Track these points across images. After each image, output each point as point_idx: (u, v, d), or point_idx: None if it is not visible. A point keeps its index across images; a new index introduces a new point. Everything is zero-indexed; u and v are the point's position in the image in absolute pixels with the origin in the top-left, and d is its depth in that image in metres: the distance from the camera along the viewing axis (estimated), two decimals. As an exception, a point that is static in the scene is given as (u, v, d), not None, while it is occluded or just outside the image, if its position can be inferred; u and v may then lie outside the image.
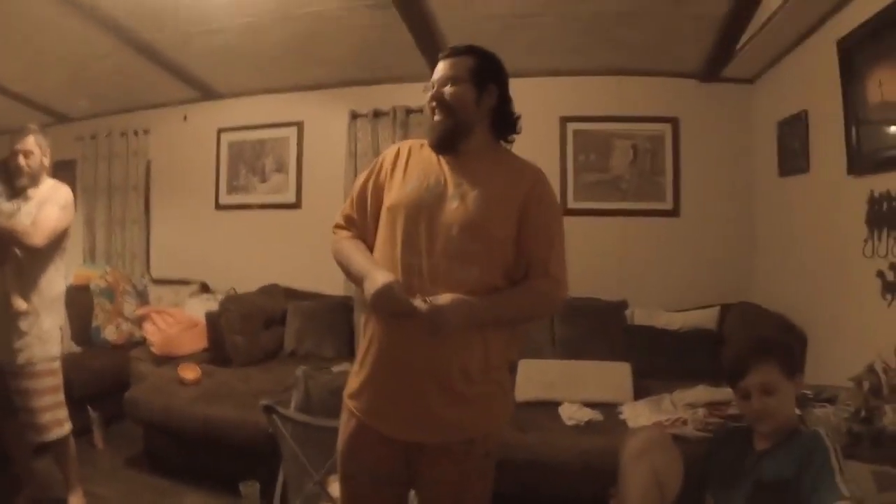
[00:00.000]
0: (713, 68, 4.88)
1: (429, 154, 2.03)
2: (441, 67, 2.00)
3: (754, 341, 2.28)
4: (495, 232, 1.87)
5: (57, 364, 3.36)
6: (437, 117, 1.98)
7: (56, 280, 3.40)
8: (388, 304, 1.80)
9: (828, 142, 3.73)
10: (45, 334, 3.29)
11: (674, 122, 5.18)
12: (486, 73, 1.98)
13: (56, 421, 3.32)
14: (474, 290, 1.81)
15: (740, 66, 4.76)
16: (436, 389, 1.84)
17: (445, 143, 1.98)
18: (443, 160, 2.00)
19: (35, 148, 3.29)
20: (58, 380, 3.37)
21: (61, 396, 3.38)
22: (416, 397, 1.86)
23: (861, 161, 3.36)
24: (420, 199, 1.92)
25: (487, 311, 1.83)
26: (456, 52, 2.02)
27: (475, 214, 1.86)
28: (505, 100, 2.04)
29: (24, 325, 3.20)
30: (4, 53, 5.15)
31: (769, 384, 2.09)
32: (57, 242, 3.32)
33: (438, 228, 1.87)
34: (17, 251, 3.18)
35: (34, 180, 3.32)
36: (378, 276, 1.82)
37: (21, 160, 3.25)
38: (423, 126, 2.05)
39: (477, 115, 1.98)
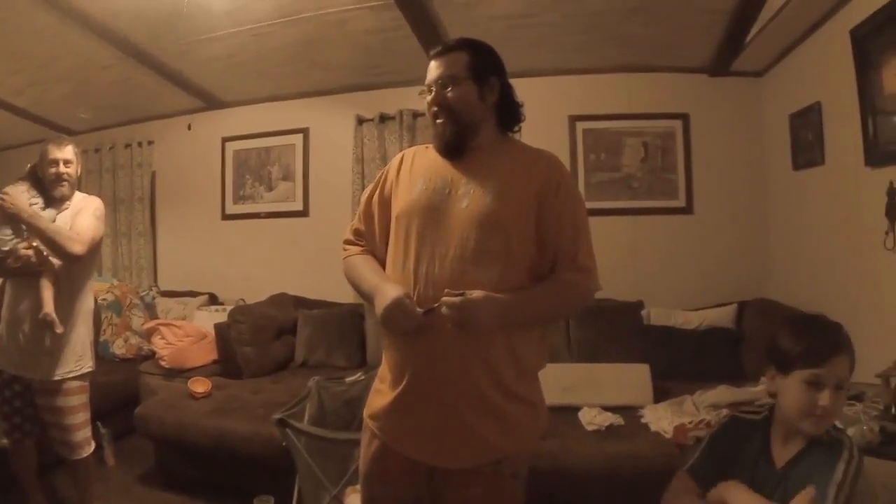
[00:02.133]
0: (722, 62, 4.83)
1: (434, 156, 1.94)
2: (435, 66, 1.89)
3: (839, 329, 2.00)
4: (511, 226, 1.76)
5: (87, 379, 3.31)
6: (440, 121, 1.87)
7: (89, 294, 3.35)
8: (399, 321, 1.72)
9: (843, 133, 3.69)
10: (80, 349, 3.25)
11: (684, 118, 5.13)
12: (484, 67, 1.87)
13: (87, 439, 3.28)
14: (497, 293, 1.69)
15: (750, 59, 4.71)
16: (468, 404, 1.75)
17: (454, 149, 1.88)
18: (449, 160, 1.90)
19: (74, 157, 3.25)
20: (87, 396, 3.31)
21: (89, 413, 3.34)
22: (447, 416, 1.76)
23: (879, 152, 3.31)
24: (428, 202, 1.83)
25: (520, 310, 1.73)
26: (449, 49, 1.90)
27: (487, 210, 1.76)
28: (507, 90, 1.94)
29: (59, 340, 3.14)
30: (6, 68, 5.15)
31: (843, 380, 1.80)
32: (93, 254, 3.28)
33: (450, 231, 1.77)
34: (55, 261, 3.12)
35: (73, 190, 3.28)
36: (388, 292, 1.74)
37: (62, 168, 3.19)
38: (430, 129, 1.92)
39: (482, 113, 1.88)
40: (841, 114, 3.70)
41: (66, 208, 3.23)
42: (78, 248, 3.05)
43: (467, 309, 1.62)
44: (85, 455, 3.26)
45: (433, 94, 1.88)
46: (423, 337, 1.74)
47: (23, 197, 3.13)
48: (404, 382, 1.80)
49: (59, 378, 3.14)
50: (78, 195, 3.32)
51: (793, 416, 1.85)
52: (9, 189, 3.14)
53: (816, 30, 3.97)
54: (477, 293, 1.63)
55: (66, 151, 3.21)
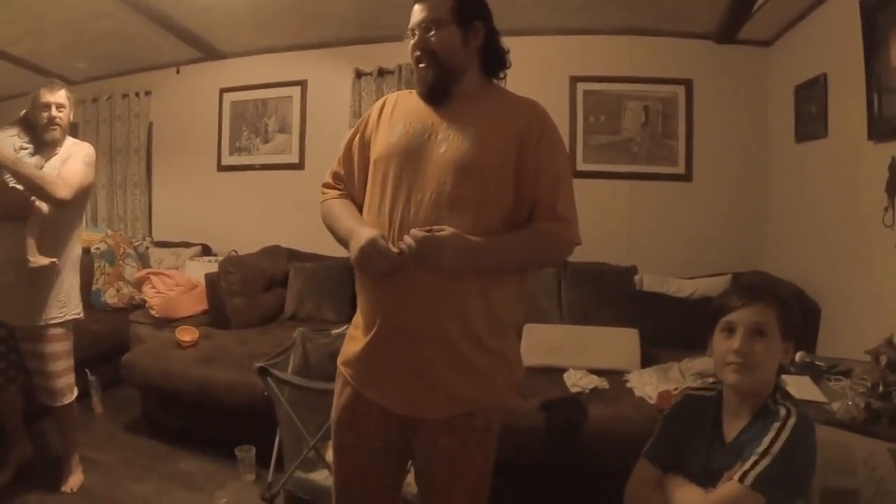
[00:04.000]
0: (729, 30, 4.76)
1: (416, 101, 1.90)
2: (419, 10, 1.83)
3: (758, 282, 1.97)
4: (488, 172, 1.72)
5: (71, 327, 3.30)
6: (422, 65, 1.83)
7: (76, 241, 3.33)
8: (374, 262, 1.68)
9: (847, 106, 3.65)
10: (64, 296, 3.23)
11: (687, 84, 5.07)
12: (468, 11, 1.82)
13: (68, 386, 3.29)
14: None
15: (757, 27, 4.65)
16: (439, 354, 1.72)
17: (436, 94, 1.84)
18: (431, 106, 1.86)
19: (66, 102, 3.19)
20: (71, 344, 3.31)
21: (72, 361, 3.34)
22: (418, 365, 1.74)
23: (882, 126, 3.28)
24: (406, 147, 1.79)
25: (490, 253, 1.69)
26: None
27: (465, 155, 1.72)
28: (492, 35, 1.89)
29: (44, 285, 3.14)
30: (2, 17, 5.06)
31: (763, 326, 1.76)
32: (81, 201, 3.25)
33: (427, 176, 1.74)
34: (41, 207, 3.07)
35: (64, 135, 3.23)
36: (362, 233, 1.70)
37: (54, 112, 3.13)
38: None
39: (466, 58, 1.84)
40: (846, 87, 3.67)
41: (56, 154, 3.18)
42: (63, 192, 3.01)
43: (428, 244, 1.60)
44: (66, 402, 3.27)
45: (416, 37, 1.83)
46: (394, 283, 1.71)
47: (9, 142, 3.09)
48: (375, 329, 1.78)
49: (42, 324, 3.14)
50: (69, 141, 3.27)
51: (717, 370, 1.86)
52: None
53: (825, 0, 3.91)
54: (446, 230, 1.61)
55: (59, 96, 3.15)
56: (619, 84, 5.14)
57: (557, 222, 1.76)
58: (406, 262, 1.64)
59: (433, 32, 1.79)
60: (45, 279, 3.12)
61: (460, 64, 1.82)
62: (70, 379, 3.30)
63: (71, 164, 3.13)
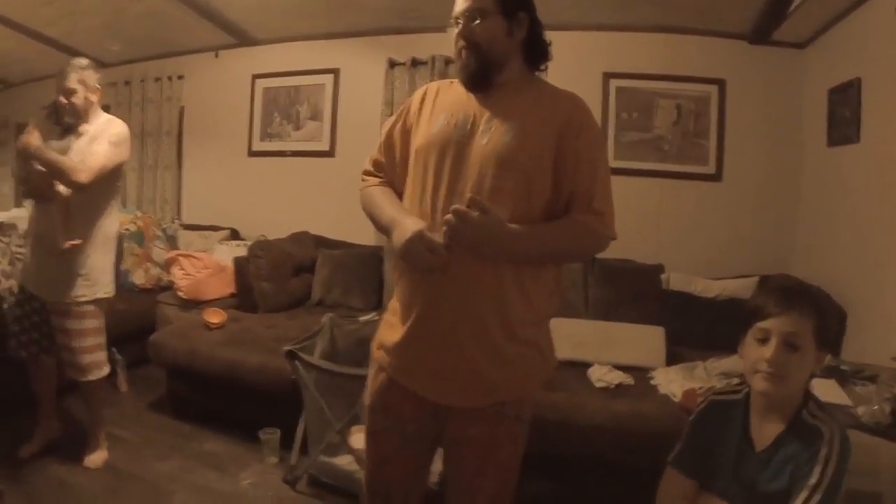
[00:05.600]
0: (764, 30, 4.71)
1: (458, 91, 1.89)
2: None
3: (797, 285, 1.92)
4: (529, 165, 1.71)
5: (102, 305, 3.34)
6: (466, 55, 1.82)
7: (107, 220, 3.35)
8: (419, 255, 1.68)
9: (881, 111, 3.62)
10: (94, 274, 3.26)
11: (720, 83, 5.02)
12: (514, 1, 1.81)
13: (96, 363, 3.32)
14: None
15: (792, 29, 4.59)
16: (473, 343, 1.72)
17: (478, 83, 1.83)
18: (473, 96, 1.85)
19: (77, 85, 3.21)
20: (101, 321, 3.35)
21: (103, 338, 3.38)
22: (452, 353, 1.74)
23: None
24: (447, 137, 1.79)
25: (523, 240, 1.70)
26: None
27: (506, 148, 1.71)
28: (535, 26, 1.87)
29: (71, 264, 3.18)
30: (39, -1, 5.09)
31: (797, 336, 1.70)
32: (110, 180, 3.28)
33: (468, 167, 1.74)
34: (62, 191, 3.13)
35: (81, 117, 3.26)
36: (408, 225, 1.70)
37: (62, 99, 3.19)
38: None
39: (509, 49, 1.82)
40: (881, 91, 3.64)
41: (85, 133, 3.23)
42: (82, 177, 3.06)
43: (459, 217, 1.61)
44: (92, 378, 3.31)
45: (460, 26, 1.82)
46: (434, 274, 1.71)
47: (42, 124, 3.17)
48: (413, 317, 1.78)
49: (70, 300, 3.19)
50: (103, 118, 3.33)
51: (747, 375, 1.82)
52: (31, 120, 3.17)
53: (862, 4, 3.87)
54: (488, 213, 1.62)
55: (70, 81, 3.20)
56: (651, 82, 5.11)
57: (594, 216, 1.75)
58: (452, 256, 1.66)
59: (478, 21, 1.78)
60: (71, 258, 3.18)
61: (503, 54, 1.81)
62: (98, 356, 3.33)
63: (96, 146, 3.18)
